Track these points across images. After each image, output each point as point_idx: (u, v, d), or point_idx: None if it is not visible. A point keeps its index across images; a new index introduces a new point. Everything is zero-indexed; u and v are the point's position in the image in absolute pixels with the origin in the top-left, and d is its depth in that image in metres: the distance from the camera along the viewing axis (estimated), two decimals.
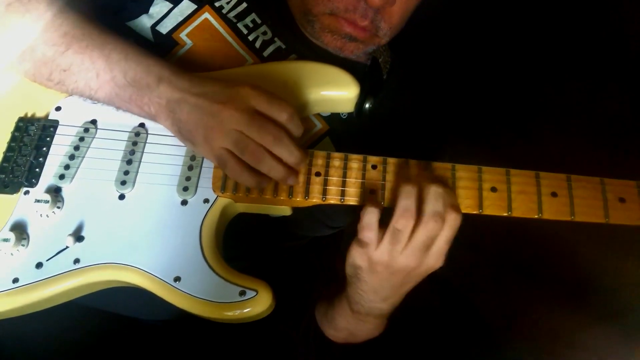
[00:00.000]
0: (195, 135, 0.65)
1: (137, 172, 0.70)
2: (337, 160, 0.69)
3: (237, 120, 0.62)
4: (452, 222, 0.62)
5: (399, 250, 0.62)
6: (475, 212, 0.66)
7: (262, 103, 0.63)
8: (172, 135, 0.71)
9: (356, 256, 0.65)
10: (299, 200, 0.68)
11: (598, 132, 1.01)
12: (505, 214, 0.66)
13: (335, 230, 0.92)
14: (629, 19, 1.01)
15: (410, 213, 0.60)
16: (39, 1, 0.68)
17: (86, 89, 0.69)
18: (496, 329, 1.04)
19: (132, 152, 0.71)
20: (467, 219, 0.64)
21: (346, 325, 0.79)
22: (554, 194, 0.66)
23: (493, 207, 0.66)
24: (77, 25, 0.68)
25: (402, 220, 0.61)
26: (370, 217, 0.62)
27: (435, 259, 0.63)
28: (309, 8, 0.79)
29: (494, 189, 0.66)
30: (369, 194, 0.66)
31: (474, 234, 0.67)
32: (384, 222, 0.63)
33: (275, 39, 0.83)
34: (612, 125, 1.01)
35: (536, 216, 0.66)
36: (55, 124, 0.73)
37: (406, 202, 0.61)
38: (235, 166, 0.63)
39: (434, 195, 0.61)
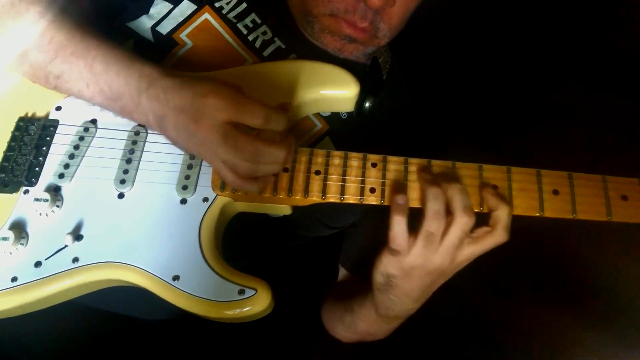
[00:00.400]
0: (189, 150, 0.65)
1: (137, 171, 0.70)
2: (336, 159, 0.69)
3: (214, 141, 0.59)
4: (499, 241, 0.63)
5: (434, 251, 0.63)
6: (476, 210, 0.65)
7: (231, 114, 0.59)
8: None
9: (388, 265, 0.66)
10: (299, 198, 0.68)
11: (600, 130, 1.01)
12: (511, 212, 0.65)
13: (335, 230, 0.92)
14: (629, 19, 1.01)
15: (441, 214, 0.61)
16: (32, 3, 0.68)
17: (81, 97, 0.69)
18: (495, 329, 1.04)
19: (132, 151, 0.71)
20: None
21: (368, 328, 0.80)
22: (555, 192, 0.66)
23: None
24: (63, 29, 0.67)
25: (434, 223, 0.61)
26: (400, 225, 0.62)
27: (466, 257, 0.64)
28: (309, 9, 0.79)
29: (494, 187, 0.66)
30: (394, 201, 0.64)
31: None
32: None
33: (275, 39, 0.83)
34: (614, 124, 1.01)
35: (537, 214, 0.65)
36: (55, 124, 0.73)
37: (435, 204, 0.61)
38: (235, 180, 0.63)
39: (461, 192, 0.62)
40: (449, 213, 0.62)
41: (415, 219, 0.63)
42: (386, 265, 0.66)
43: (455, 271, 0.66)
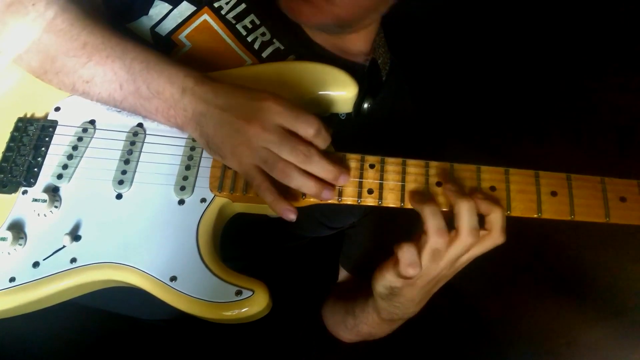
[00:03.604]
0: (223, 149, 0.64)
1: (135, 171, 0.70)
2: (333, 155, 0.68)
3: (265, 140, 0.61)
4: (496, 243, 0.63)
5: (437, 264, 0.63)
6: None
7: (287, 119, 0.61)
8: (170, 135, 0.71)
9: (392, 280, 0.66)
10: (299, 194, 0.68)
11: (598, 132, 1.01)
12: (504, 214, 0.65)
13: (335, 231, 0.92)
14: (629, 18, 1.00)
15: (444, 231, 0.61)
16: (51, 3, 0.68)
17: (110, 100, 0.69)
18: (496, 329, 1.04)
19: (130, 152, 0.71)
20: None
21: (370, 330, 0.81)
22: (553, 193, 0.65)
23: None
24: (95, 33, 0.68)
25: (440, 240, 0.61)
26: (412, 255, 0.62)
27: (464, 262, 0.65)
28: None
29: (492, 188, 0.66)
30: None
31: None
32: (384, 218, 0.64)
33: (274, 40, 0.83)
34: (613, 125, 1.00)
35: (535, 215, 0.65)
36: (54, 124, 0.73)
37: (436, 221, 0.61)
38: (262, 183, 0.63)
39: (469, 210, 0.61)
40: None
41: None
42: (390, 282, 0.66)
43: (455, 273, 0.67)
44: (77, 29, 0.67)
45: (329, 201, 0.67)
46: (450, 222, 0.62)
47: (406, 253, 0.62)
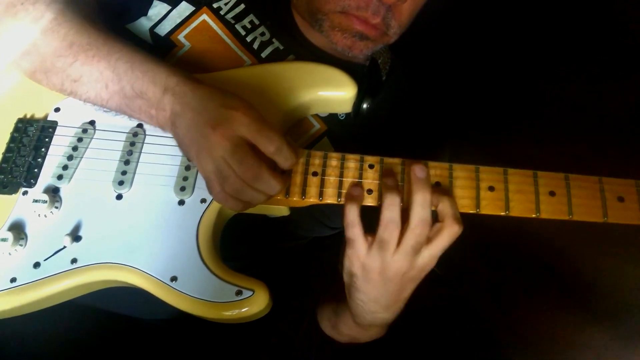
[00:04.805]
0: (190, 152, 0.64)
1: (135, 172, 0.70)
2: (334, 160, 0.69)
3: (223, 149, 0.60)
4: (452, 233, 0.62)
5: (390, 256, 0.62)
6: (472, 212, 0.65)
7: (250, 132, 0.61)
8: (170, 135, 0.71)
9: (350, 262, 0.65)
10: (296, 200, 0.68)
11: (597, 131, 1.01)
12: (503, 214, 0.65)
13: (335, 230, 0.92)
14: (629, 17, 1.00)
15: (395, 223, 0.61)
16: (39, 3, 0.68)
17: (98, 99, 0.69)
18: (495, 330, 1.04)
19: (130, 153, 0.71)
20: (465, 219, 0.64)
21: (349, 332, 0.79)
22: (551, 193, 0.65)
23: (490, 207, 0.65)
24: (82, 33, 0.68)
25: (387, 232, 0.61)
26: (352, 213, 0.63)
27: (427, 261, 0.63)
28: (318, 7, 0.78)
29: (491, 188, 0.66)
30: (348, 192, 0.66)
31: (473, 235, 0.67)
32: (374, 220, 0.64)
33: (274, 39, 0.83)
34: (611, 125, 1.01)
35: (534, 215, 0.65)
36: (54, 125, 0.73)
37: (389, 213, 0.61)
38: (219, 192, 0.63)
39: (421, 203, 0.61)
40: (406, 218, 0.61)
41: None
42: (349, 262, 0.65)
43: (422, 275, 0.65)
44: (65, 29, 0.68)
45: (328, 201, 0.68)
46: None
47: (348, 212, 0.63)
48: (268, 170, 0.61)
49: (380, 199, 0.67)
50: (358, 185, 0.66)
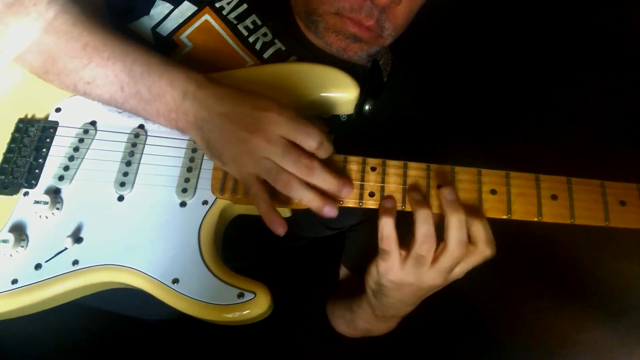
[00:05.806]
0: (224, 156, 0.64)
1: (136, 173, 0.70)
2: (336, 163, 0.69)
3: (269, 151, 0.61)
4: (484, 255, 0.63)
5: (425, 271, 0.63)
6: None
7: (290, 131, 0.61)
8: (172, 137, 0.71)
9: (382, 275, 0.66)
10: (298, 202, 0.68)
11: (599, 134, 1.01)
12: (505, 217, 0.65)
13: (335, 231, 0.92)
14: (630, 17, 1.00)
15: (432, 239, 0.61)
16: (52, 2, 0.68)
17: (112, 101, 0.68)
18: (496, 330, 1.04)
19: (131, 154, 0.71)
20: None
21: (367, 326, 0.82)
22: (554, 197, 0.65)
23: (492, 210, 0.65)
24: (96, 34, 0.67)
25: (424, 247, 0.61)
26: (388, 227, 0.63)
27: (458, 275, 0.65)
28: (314, 7, 0.79)
29: (493, 192, 0.66)
30: (382, 205, 0.65)
31: None
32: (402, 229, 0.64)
33: (276, 40, 0.83)
34: (614, 128, 1.01)
35: (536, 219, 0.65)
36: (55, 125, 0.73)
37: (425, 228, 0.61)
38: (259, 193, 0.63)
39: (457, 226, 0.61)
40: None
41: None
42: (379, 276, 0.67)
43: (449, 282, 0.67)
44: (79, 29, 0.67)
45: None
46: (440, 229, 0.62)
47: (385, 226, 0.62)
48: (321, 165, 0.62)
49: (381, 201, 0.67)
50: (391, 197, 0.66)
